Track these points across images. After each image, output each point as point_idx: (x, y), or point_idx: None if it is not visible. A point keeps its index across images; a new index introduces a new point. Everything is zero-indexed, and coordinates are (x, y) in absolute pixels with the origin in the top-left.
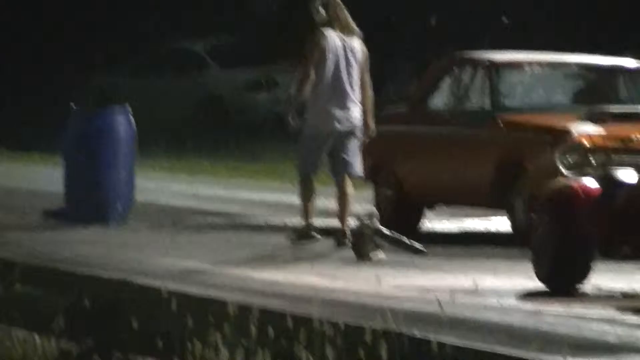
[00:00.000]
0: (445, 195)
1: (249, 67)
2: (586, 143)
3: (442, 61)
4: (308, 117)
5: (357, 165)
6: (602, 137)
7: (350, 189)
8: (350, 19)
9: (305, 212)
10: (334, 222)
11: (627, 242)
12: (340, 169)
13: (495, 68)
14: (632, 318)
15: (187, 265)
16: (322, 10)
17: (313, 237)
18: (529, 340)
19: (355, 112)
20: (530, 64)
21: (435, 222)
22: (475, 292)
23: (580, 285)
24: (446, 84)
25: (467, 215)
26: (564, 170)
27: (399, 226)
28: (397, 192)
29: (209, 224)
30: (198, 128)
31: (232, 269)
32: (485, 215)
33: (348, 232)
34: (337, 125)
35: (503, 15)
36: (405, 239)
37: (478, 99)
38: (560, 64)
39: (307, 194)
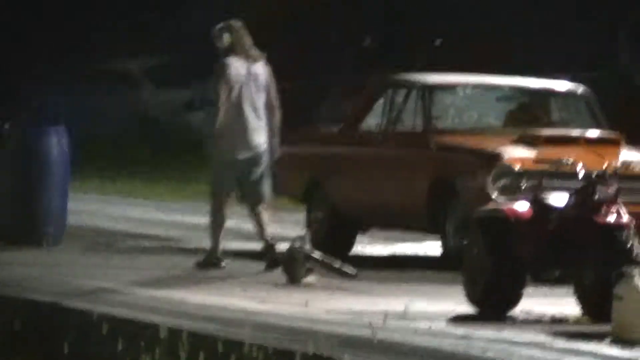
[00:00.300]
0: (378, 218)
1: (183, 87)
2: (517, 166)
3: (375, 82)
4: (216, 145)
5: (266, 190)
6: (534, 160)
7: (264, 213)
8: (252, 44)
9: (214, 237)
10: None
11: (558, 266)
12: (249, 194)
13: (428, 90)
14: (562, 343)
15: (119, 288)
16: (225, 36)
17: (218, 265)
18: None
19: (262, 137)
20: (462, 85)
21: (367, 246)
22: (406, 316)
23: (511, 310)
24: (379, 105)
25: (399, 239)
26: (495, 194)
27: (331, 249)
28: (330, 215)
29: (142, 247)
30: (133, 149)
31: (164, 292)
32: (418, 238)
33: (273, 256)
34: (244, 152)
35: (435, 38)
36: (336, 263)
37: (411, 121)
38: (492, 86)
39: (218, 220)
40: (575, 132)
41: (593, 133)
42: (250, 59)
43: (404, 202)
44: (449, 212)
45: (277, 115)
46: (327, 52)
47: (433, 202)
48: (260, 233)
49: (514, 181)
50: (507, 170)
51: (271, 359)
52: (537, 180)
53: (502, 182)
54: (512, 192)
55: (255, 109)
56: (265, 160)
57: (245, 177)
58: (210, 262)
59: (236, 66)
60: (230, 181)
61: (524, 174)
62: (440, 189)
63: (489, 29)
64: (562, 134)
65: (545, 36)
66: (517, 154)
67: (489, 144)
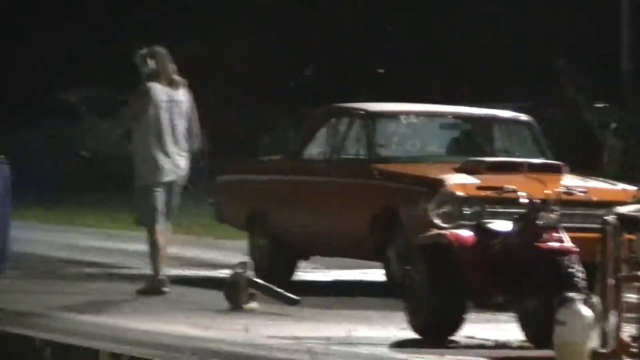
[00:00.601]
0: (322, 247)
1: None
2: (460, 194)
3: (319, 111)
4: (137, 170)
5: (173, 214)
6: (477, 187)
7: (169, 235)
8: (175, 71)
9: (155, 264)
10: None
11: (500, 293)
12: (166, 217)
13: (371, 118)
14: None
15: (60, 315)
16: (149, 62)
17: (161, 291)
18: None
19: (182, 162)
20: (406, 114)
21: (310, 272)
22: (348, 341)
23: (453, 335)
24: (323, 134)
25: (341, 266)
26: (437, 221)
27: (273, 276)
28: (272, 242)
29: (84, 274)
30: (76, 178)
31: (106, 319)
32: (360, 265)
33: (163, 278)
34: (165, 177)
35: (379, 68)
36: (279, 289)
37: (354, 149)
38: (435, 114)
39: (154, 246)
40: (518, 160)
41: (536, 160)
42: (172, 85)
43: (347, 231)
44: (392, 240)
45: (197, 142)
46: (269, 81)
47: (376, 230)
48: (152, 254)
49: (457, 208)
50: (450, 197)
51: None
52: (479, 207)
53: (445, 208)
54: (454, 218)
55: (175, 135)
56: (181, 187)
57: (166, 201)
58: (152, 288)
59: (158, 91)
60: (155, 205)
61: (466, 200)
62: (384, 217)
63: (432, 58)
64: (504, 161)
65: (489, 66)
66: (459, 181)
67: (431, 172)
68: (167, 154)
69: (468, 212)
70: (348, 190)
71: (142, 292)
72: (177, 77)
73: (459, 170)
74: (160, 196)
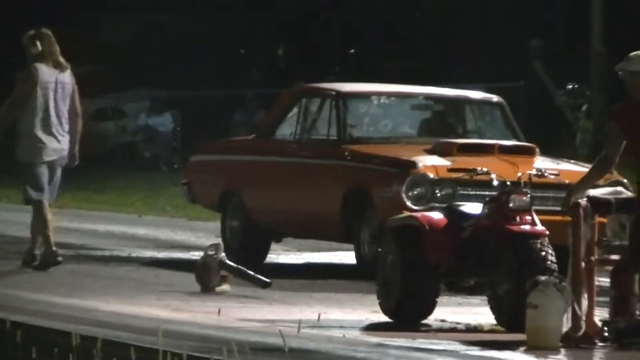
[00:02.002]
0: (293, 227)
1: (96, 97)
2: (431, 175)
3: (290, 91)
4: (22, 148)
5: (55, 192)
6: (448, 169)
7: (49, 214)
8: (59, 53)
9: (46, 238)
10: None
11: (472, 276)
12: (50, 195)
13: (342, 99)
14: (476, 351)
15: (31, 297)
16: (37, 44)
17: (58, 261)
18: None
19: (64, 143)
20: (377, 94)
21: (281, 255)
22: (320, 324)
23: (425, 318)
24: (294, 114)
25: (313, 249)
26: (409, 203)
27: (245, 258)
28: (244, 223)
29: None
30: None
31: (77, 301)
32: (331, 247)
33: (39, 255)
34: (48, 156)
35: (351, 48)
36: (250, 272)
37: (325, 130)
38: (407, 95)
39: (44, 222)
40: (489, 142)
41: (507, 142)
42: (58, 67)
43: (318, 212)
44: (364, 221)
45: (79, 123)
46: (239, 61)
47: (348, 211)
48: (41, 230)
49: (428, 190)
50: (421, 179)
51: None
52: (451, 189)
53: (416, 190)
54: (426, 200)
55: (60, 116)
56: (63, 165)
57: (45, 179)
58: (49, 261)
59: (44, 71)
60: (40, 181)
61: (438, 182)
62: (355, 198)
63: (405, 39)
64: (476, 143)
65: (459, 47)
66: (431, 163)
67: (403, 153)
68: (51, 134)
69: (440, 194)
70: (319, 171)
71: (39, 268)
72: (62, 60)
73: (430, 151)
74: (44, 174)
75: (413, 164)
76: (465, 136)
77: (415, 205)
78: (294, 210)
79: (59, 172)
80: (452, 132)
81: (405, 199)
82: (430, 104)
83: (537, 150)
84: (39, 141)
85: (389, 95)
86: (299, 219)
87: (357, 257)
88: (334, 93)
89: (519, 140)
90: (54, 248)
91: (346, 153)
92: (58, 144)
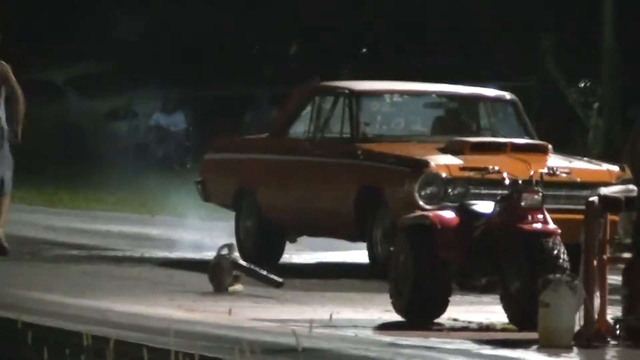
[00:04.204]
0: (306, 226)
1: (107, 97)
2: (444, 174)
3: (303, 90)
4: None
5: (8, 178)
6: (461, 168)
7: (5, 200)
8: None
9: None
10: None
11: (484, 274)
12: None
13: (356, 97)
14: (488, 350)
15: (44, 297)
16: None
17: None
18: None
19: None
20: (390, 93)
21: (294, 254)
22: (332, 323)
23: (438, 317)
24: (307, 112)
25: (325, 247)
26: (422, 202)
27: (259, 258)
28: (259, 222)
29: (66, 256)
30: (56, 158)
31: (89, 301)
32: (344, 247)
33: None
34: None
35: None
36: (263, 271)
37: (338, 128)
38: (420, 93)
39: None
40: (502, 140)
41: (520, 140)
42: None
43: (331, 210)
44: (377, 220)
45: (21, 107)
46: (251, 60)
47: (360, 210)
48: None
49: (441, 189)
50: (434, 178)
51: None
52: (464, 188)
53: (429, 189)
54: (438, 199)
55: None
56: (7, 150)
57: None
58: None
59: None
60: None
61: (450, 181)
62: (368, 197)
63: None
64: (489, 141)
65: (472, 46)
66: (444, 162)
67: (416, 152)
68: None
69: (452, 193)
70: (332, 170)
71: None
72: None
73: (443, 150)
74: None
75: (426, 163)
76: (479, 134)
77: (428, 204)
78: (307, 208)
79: (4, 160)
80: (465, 130)
81: (418, 198)
82: (443, 101)
83: (550, 148)
84: None
85: (402, 93)
86: (312, 217)
87: (370, 256)
88: (347, 91)
89: (532, 138)
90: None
91: (359, 152)
92: None
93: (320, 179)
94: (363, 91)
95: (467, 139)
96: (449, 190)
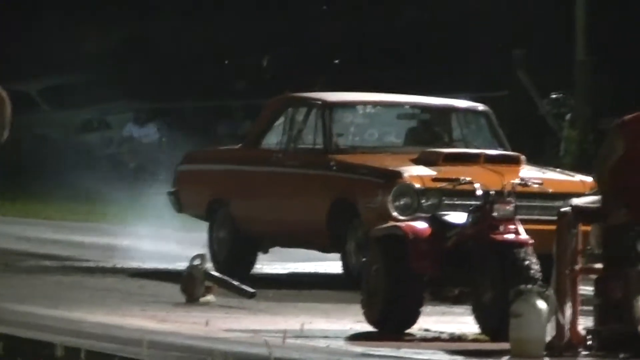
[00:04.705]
0: (280, 237)
1: (80, 108)
2: (417, 185)
3: (276, 101)
4: None
5: None
6: (434, 179)
7: None
8: None
9: None
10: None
11: (457, 284)
12: None
13: (329, 108)
14: None
15: (17, 308)
16: None
17: None
18: None
19: None
20: (363, 104)
21: (266, 265)
22: (304, 334)
23: (409, 328)
24: (280, 123)
25: (298, 259)
26: (395, 213)
27: (232, 268)
28: (232, 233)
29: (40, 267)
30: (29, 170)
31: (62, 312)
32: (317, 258)
33: None
34: None
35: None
36: (235, 282)
37: (311, 139)
38: (393, 104)
39: None
40: (475, 151)
41: (493, 151)
42: None
43: (305, 221)
44: (350, 231)
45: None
46: (224, 72)
47: (334, 221)
48: None
49: (414, 200)
50: (407, 189)
51: None
52: (437, 199)
53: (402, 200)
54: (412, 210)
55: None
56: None
57: None
58: None
59: None
60: None
61: (424, 192)
62: (341, 208)
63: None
64: (462, 152)
65: (444, 57)
66: (417, 173)
67: (389, 163)
68: None
69: (426, 204)
70: (305, 181)
71: None
72: None
73: (416, 161)
74: None
75: (399, 174)
76: (452, 145)
77: (401, 215)
78: (280, 219)
79: None
80: (438, 141)
81: (391, 209)
82: (416, 113)
83: (523, 158)
84: None
85: (374, 104)
86: (285, 228)
87: (343, 267)
88: (320, 102)
89: (504, 149)
90: None
91: (332, 163)
92: None
93: (293, 190)
94: (336, 102)
95: (440, 150)
96: (422, 201)
